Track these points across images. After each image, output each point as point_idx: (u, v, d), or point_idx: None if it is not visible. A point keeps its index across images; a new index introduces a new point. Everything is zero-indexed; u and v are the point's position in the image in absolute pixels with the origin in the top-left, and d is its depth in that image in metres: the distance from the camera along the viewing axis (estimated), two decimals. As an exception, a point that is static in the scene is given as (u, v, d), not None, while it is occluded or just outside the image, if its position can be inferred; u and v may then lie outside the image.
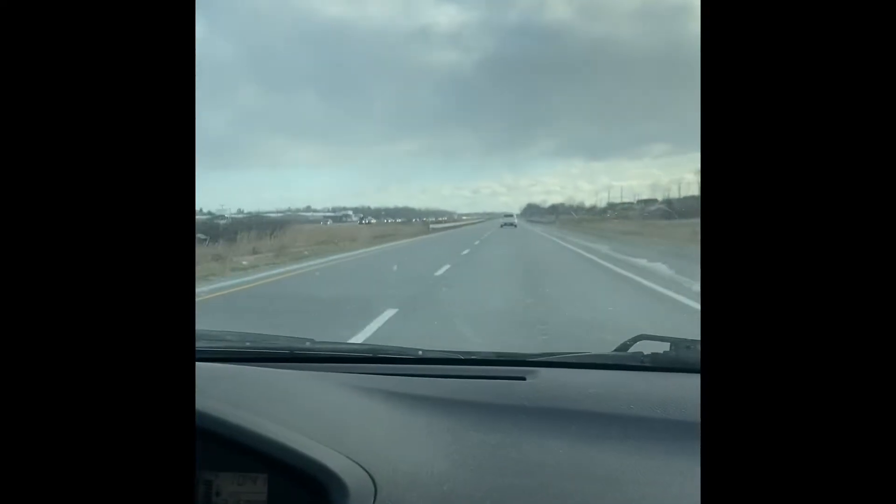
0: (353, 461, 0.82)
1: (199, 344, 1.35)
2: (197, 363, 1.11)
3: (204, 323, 1.03)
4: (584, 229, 37.22)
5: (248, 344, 1.48)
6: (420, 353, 1.41)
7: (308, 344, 1.47)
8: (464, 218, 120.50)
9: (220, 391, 0.95)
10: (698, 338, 1.27)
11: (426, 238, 31.46)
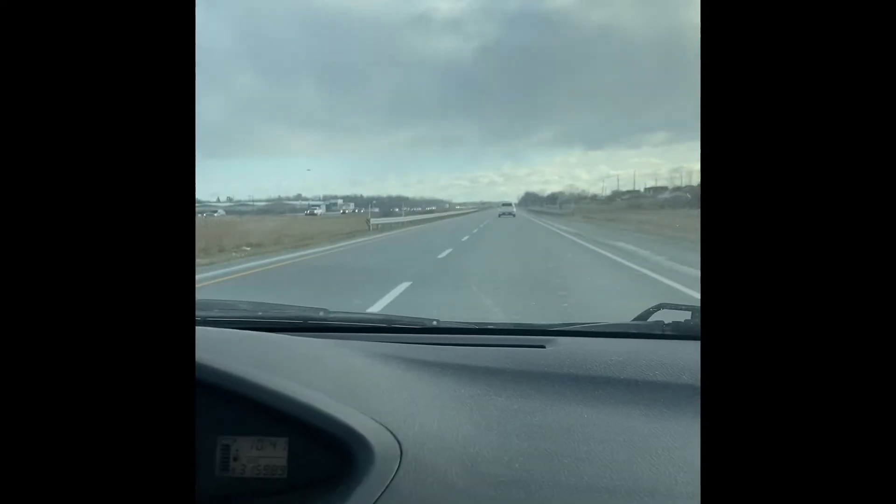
0: (378, 422, 0.82)
1: (213, 312, 1.39)
2: (214, 328, 1.15)
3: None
4: (603, 223, 29.47)
5: (260, 314, 1.49)
6: (435, 322, 1.42)
7: (322, 314, 1.48)
8: (457, 207, 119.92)
9: (240, 352, 0.96)
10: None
11: (357, 245, 17.24)
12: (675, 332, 1.27)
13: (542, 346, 1.22)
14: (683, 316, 1.30)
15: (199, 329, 1.03)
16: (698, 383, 0.98)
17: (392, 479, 0.76)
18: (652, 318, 1.35)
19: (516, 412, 0.94)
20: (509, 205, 63.19)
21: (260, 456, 0.84)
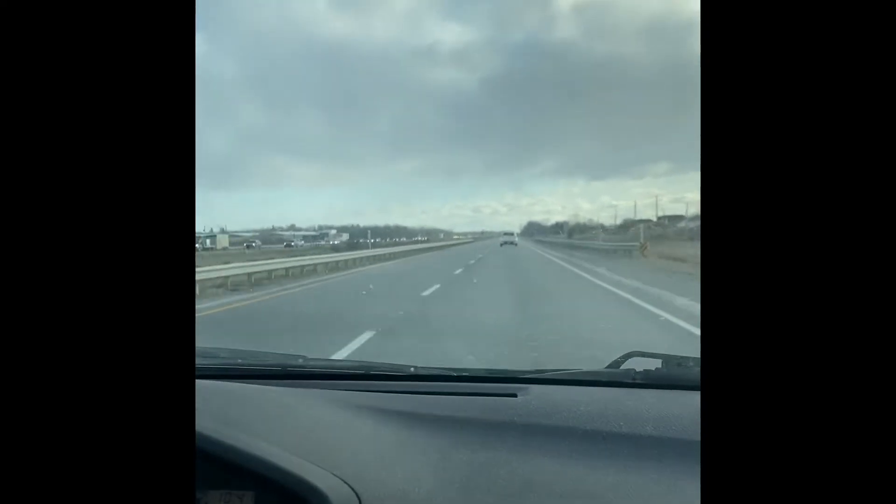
0: (341, 479, 0.87)
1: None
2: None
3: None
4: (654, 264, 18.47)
5: (240, 361, 1.58)
6: (412, 369, 1.49)
7: (300, 361, 1.56)
8: (455, 237, 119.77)
9: (211, 409, 1.00)
10: (688, 354, 1.35)
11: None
12: (645, 381, 1.33)
13: (514, 395, 1.28)
14: (654, 364, 1.37)
15: None
16: (663, 434, 1.06)
17: None
18: (623, 366, 1.42)
19: (482, 465, 0.99)
20: (511, 234, 66.18)
21: None
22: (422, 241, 68.68)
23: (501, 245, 51.99)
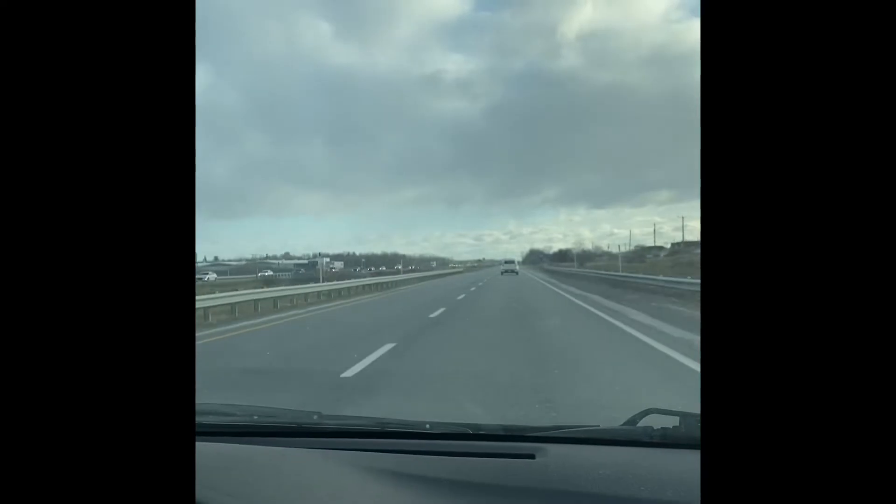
0: None
1: (209, 419, 1.54)
2: (207, 443, 1.27)
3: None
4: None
5: (255, 418, 1.65)
6: (427, 426, 1.53)
7: (315, 418, 1.63)
8: (451, 265, 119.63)
9: (230, 480, 1.06)
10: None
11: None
12: (663, 440, 1.38)
13: (532, 456, 1.32)
14: (672, 422, 1.42)
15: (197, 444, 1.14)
16: (682, 499, 1.09)
17: None
18: (641, 423, 1.47)
19: None
20: (512, 262, 65.91)
21: None
22: (409, 271, 66.74)
23: (502, 273, 51.83)
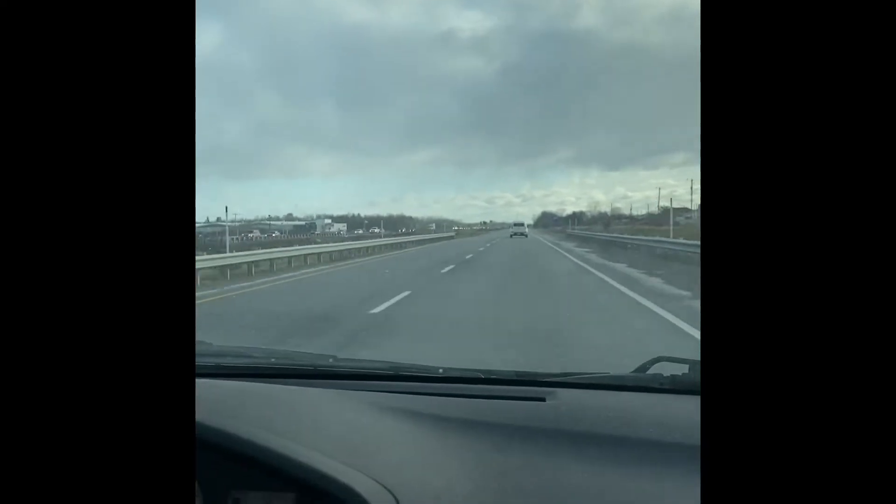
0: (379, 483, 0.95)
1: (227, 360, 1.63)
2: (228, 381, 1.38)
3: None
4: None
5: (273, 360, 1.74)
6: (440, 371, 1.60)
7: (331, 360, 1.71)
8: (455, 228, 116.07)
9: (248, 412, 1.12)
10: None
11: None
12: (672, 386, 1.42)
13: (543, 399, 1.37)
14: (681, 369, 1.45)
15: (215, 382, 1.26)
16: (689, 441, 1.12)
17: None
18: (651, 371, 1.51)
19: (514, 470, 1.08)
20: (521, 225, 68.09)
21: None
22: (396, 235, 60.47)
23: (511, 236, 52.13)
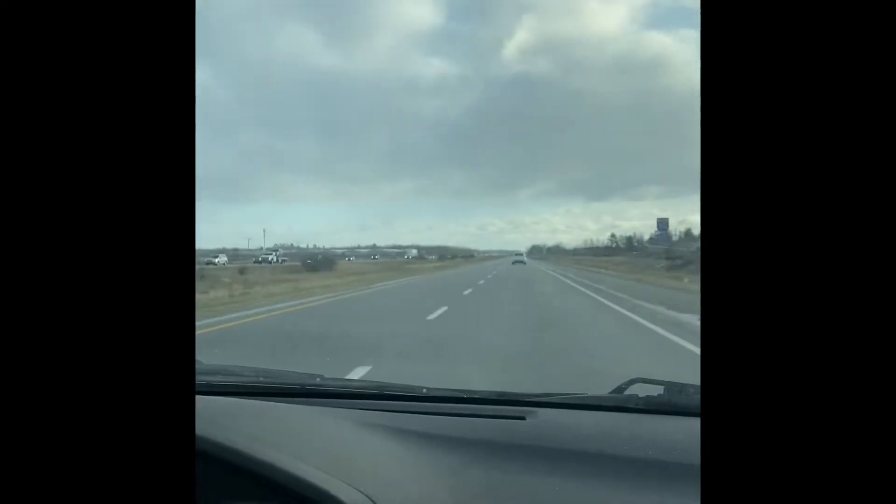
0: (363, 493, 0.99)
1: (218, 378, 1.70)
2: (219, 397, 1.42)
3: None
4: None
5: (261, 379, 1.84)
6: (424, 390, 1.69)
7: (318, 380, 1.78)
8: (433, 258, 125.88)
9: (239, 425, 1.16)
10: (690, 381, 1.51)
11: None
12: (647, 407, 1.52)
13: (523, 418, 1.47)
14: (656, 390, 1.56)
15: (206, 398, 1.26)
16: (663, 458, 1.22)
17: None
18: (627, 392, 1.61)
19: (493, 485, 1.15)
20: (521, 254, 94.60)
21: None
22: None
23: (513, 263, 65.15)
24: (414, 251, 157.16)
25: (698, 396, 1.42)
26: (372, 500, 0.98)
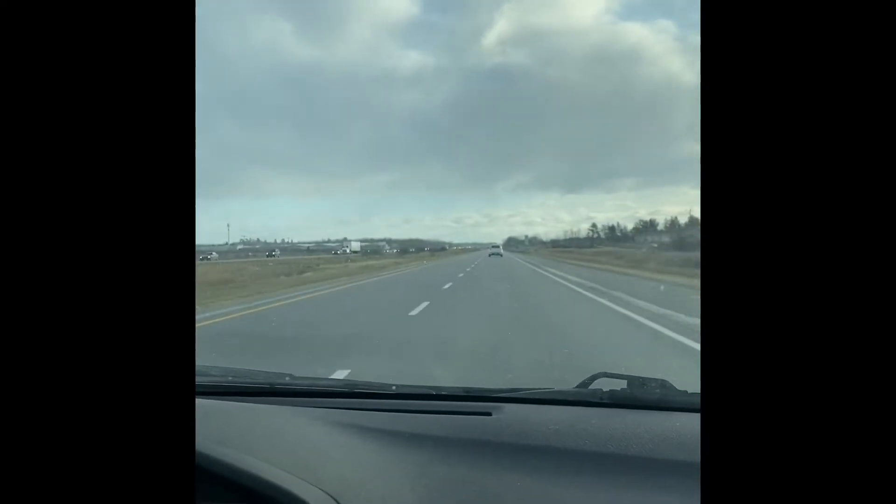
0: (328, 494, 1.03)
1: None
2: None
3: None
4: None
5: (230, 378, 1.84)
6: (393, 388, 1.77)
7: (287, 379, 1.84)
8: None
9: (206, 427, 1.16)
10: (653, 376, 1.63)
11: None
12: (611, 401, 1.60)
13: (489, 414, 1.54)
14: (620, 384, 1.64)
15: None
16: (624, 452, 1.30)
17: None
18: (592, 386, 1.69)
19: (457, 481, 1.20)
20: (497, 246, 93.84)
21: None
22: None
23: (489, 256, 67.50)
24: (356, 244, 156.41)
25: (660, 391, 1.57)
26: (336, 500, 1.02)
